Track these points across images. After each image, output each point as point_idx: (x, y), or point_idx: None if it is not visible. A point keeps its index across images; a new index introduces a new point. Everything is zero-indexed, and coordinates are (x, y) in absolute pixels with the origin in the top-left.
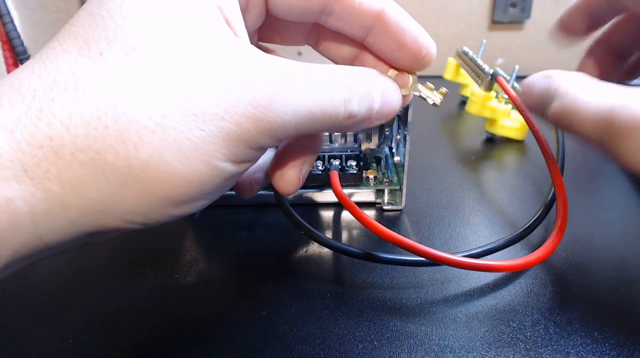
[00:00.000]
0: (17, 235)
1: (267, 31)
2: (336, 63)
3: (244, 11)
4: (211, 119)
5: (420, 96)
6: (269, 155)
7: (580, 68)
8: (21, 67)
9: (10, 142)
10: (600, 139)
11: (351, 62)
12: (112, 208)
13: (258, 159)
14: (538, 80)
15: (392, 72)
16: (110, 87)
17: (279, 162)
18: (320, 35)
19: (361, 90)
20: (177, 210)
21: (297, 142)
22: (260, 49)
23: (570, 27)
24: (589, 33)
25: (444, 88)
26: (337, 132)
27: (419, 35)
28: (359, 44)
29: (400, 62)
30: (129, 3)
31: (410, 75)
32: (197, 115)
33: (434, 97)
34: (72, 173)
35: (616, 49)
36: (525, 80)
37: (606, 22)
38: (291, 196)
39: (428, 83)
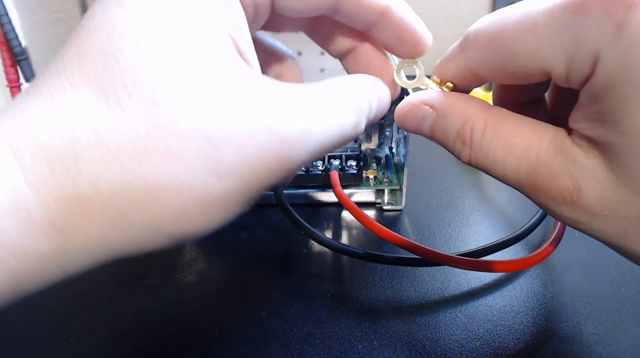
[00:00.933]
0: (43, 277)
1: (265, 23)
2: (332, 53)
3: (252, 20)
4: (236, 177)
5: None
6: None
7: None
8: (31, 104)
9: (38, 200)
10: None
11: (347, 52)
12: (135, 249)
13: None
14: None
15: (399, 64)
16: (136, 145)
17: None
18: (317, 25)
19: (366, 109)
20: (190, 241)
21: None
22: (259, 45)
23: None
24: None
25: (450, 82)
26: None
27: (420, 30)
28: (357, 33)
29: (398, 52)
30: (144, 42)
31: (417, 68)
32: (221, 174)
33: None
34: (99, 226)
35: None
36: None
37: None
38: (290, 194)
39: (434, 76)
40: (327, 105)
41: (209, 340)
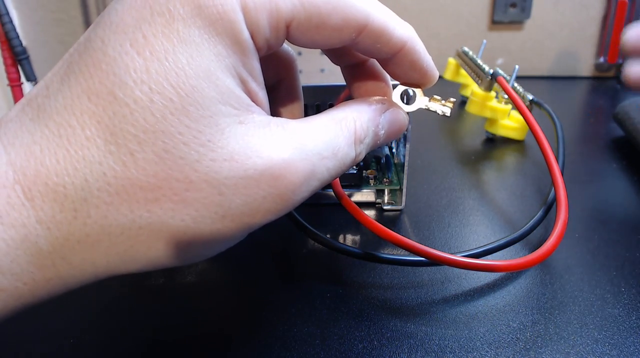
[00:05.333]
0: (49, 295)
1: None
2: (332, 60)
3: (266, 53)
4: (239, 218)
5: (428, 109)
6: None
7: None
8: (38, 140)
9: (49, 237)
10: None
11: (349, 65)
12: (135, 272)
13: None
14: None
15: (397, 91)
16: (145, 193)
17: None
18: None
19: (369, 139)
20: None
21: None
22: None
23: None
24: None
25: (452, 98)
26: None
27: (430, 69)
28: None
29: (402, 82)
30: (156, 92)
31: (417, 90)
32: (225, 217)
33: (443, 108)
34: (107, 259)
35: None
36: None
37: None
38: None
39: (435, 96)
40: (330, 144)
41: (209, 341)
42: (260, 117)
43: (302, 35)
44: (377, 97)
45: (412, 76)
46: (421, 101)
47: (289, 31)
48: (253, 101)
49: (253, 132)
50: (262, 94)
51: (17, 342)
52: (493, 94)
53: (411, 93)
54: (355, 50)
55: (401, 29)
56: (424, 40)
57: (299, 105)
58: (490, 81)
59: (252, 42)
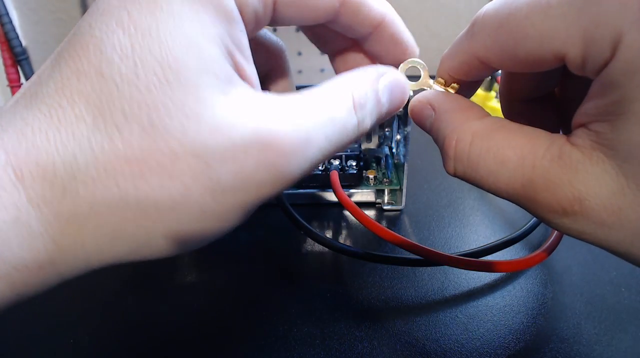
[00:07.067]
0: (42, 284)
1: None
2: (321, 50)
3: (252, 29)
4: (230, 192)
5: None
6: None
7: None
8: (30, 122)
9: (39, 217)
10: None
11: (337, 53)
12: (128, 260)
13: None
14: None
15: (403, 65)
16: (132, 167)
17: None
18: (313, 27)
19: (369, 105)
20: (184, 252)
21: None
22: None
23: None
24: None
25: (455, 83)
26: None
27: (409, 45)
28: (349, 39)
29: (383, 62)
30: (142, 66)
31: (421, 69)
32: (215, 190)
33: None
34: (95, 240)
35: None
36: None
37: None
38: (290, 195)
39: (439, 78)
40: (325, 111)
41: (209, 341)
42: (246, 89)
43: (288, 8)
44: (371, 65)
45: (394, 51)
46: (425, 80)
47: (276, 5)
48: (241, 75)
49: (239, 103)
50: (249, 69)
51: (17, 342)
52: (493, 94)
53: (418, 68)
54: (339, 28)
55: (379, 2)
56: (424, 40)
57: None
58: (490, 81)
59: (239, 13)
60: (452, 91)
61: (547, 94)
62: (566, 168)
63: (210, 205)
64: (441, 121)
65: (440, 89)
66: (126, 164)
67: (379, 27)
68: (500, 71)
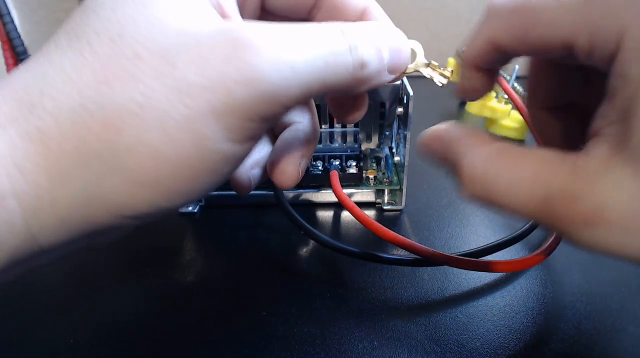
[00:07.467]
0: (12, 236)
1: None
2: None
3: (241, 8)
4: (198, 93)
5: (427, 75)
6: (266, 150)
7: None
8: (19, 67)
9: (4, 137)
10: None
11: None
12: (98, 200)
13: (262, 135)
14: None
15: None
16: (95, 73)
17: (276, 156)
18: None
19: (366, 39)
20: (166, 200)
21: (294, 134)
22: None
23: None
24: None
25: (449, 68)
26: (351, 91)
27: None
28: None
29: None
30: None
31: (418, 50)
32: (181, 91)
33: (440, 77)
34: (59, 164)
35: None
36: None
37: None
38: (290, 194)
39: (433, 61)
40: (304, 32)
41: (209, 341)
42: (225, 18)
43: None
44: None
45: None
46: (421, 60)
47: None
48: (224, 14)
49: (208, 9)
50: (234, 11)
51: (17, 342)
52: (493, 93)
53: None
54: (320, 17)
55: None
56: (424, 40)
57: None
58: None
59: None
60: (447, 74)
61: (571, 105)
62: (583, 179)
63: (177, 108)
64: (451, 148)
65: (433, 73)
66: (91, 72)
67: (363, 14)
68: (501, 73)
